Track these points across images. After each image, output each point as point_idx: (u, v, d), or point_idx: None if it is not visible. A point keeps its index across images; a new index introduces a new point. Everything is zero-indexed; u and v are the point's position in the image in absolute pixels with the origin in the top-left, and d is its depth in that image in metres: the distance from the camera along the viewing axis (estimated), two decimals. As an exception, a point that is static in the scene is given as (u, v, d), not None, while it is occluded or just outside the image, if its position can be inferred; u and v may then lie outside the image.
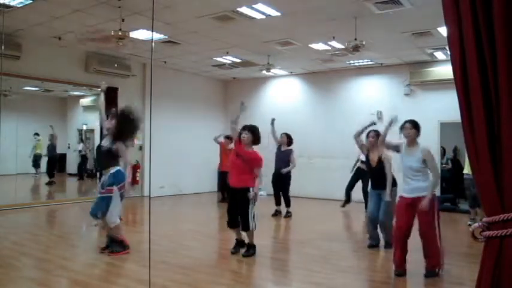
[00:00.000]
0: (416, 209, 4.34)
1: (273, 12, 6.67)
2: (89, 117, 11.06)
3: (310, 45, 8.62)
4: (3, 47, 7.05)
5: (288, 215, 8.22)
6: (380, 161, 5.51)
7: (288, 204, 8.28)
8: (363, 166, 7.58)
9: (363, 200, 8.28)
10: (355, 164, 8.68)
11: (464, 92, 1.65)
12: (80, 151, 11.40)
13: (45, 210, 8.60)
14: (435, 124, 9.60)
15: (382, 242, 5.67)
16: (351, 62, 10.16)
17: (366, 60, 10.01)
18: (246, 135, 5.08)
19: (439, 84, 9.46)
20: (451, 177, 9.77)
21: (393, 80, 10.41)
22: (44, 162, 10.67)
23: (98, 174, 8.92)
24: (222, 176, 9.21)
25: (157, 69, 10.79)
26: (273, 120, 8.38)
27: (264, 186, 8.98)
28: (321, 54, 9.33)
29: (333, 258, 5.56)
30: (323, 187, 10.75)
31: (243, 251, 5.23)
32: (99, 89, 5.81)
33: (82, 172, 11.52)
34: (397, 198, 4.88)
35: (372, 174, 5.78)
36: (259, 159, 5.07)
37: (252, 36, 8.03)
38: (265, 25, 7.30)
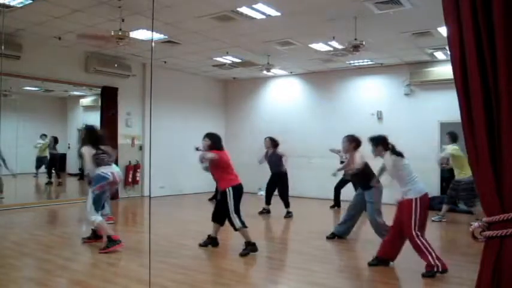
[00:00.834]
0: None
1: (273, 12, 6.67)
2: (89, 117, 11.06)
3: (310, 45, 8.62)
4: (3, 47, 7.05)
5: (289, 215, 8.22)
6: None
7: (287, 205, 8.28)
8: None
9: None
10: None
11: (464, 92, 1.65)
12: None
13: (45, 210, 8.60)
14: (435, 124, 9.61)
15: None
16: (351, 62, 10.16)
17: (366, 60, 10.01)
18: (204, 142, 5.55)
19: (439, 84, 9.46)
20: (450, 177, 9.76)
21: (393, 80, 10.41)
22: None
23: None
24: None
25: (157, 69, 10.79)
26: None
27: (263, 186, 8.99)
28: (321, 54, 9.33)
29: (332, 258, 5.57)
30: (323, 187, 10.75)
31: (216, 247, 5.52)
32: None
33: (82, 172, 11.52)
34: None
35: (352, 177, 6.29)
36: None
37: (252, 36, 8.03)
38: (265, 25, 7.30)
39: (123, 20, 6.58)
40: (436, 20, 6.41)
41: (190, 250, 5.48)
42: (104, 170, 5.44)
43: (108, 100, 10.09)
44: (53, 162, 10.82)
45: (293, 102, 12.02)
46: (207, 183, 12.41)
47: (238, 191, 5.28)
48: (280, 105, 12.23)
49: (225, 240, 5.76)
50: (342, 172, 8.82)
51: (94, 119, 9.88)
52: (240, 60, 10.21)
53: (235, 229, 5.25)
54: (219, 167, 5.33)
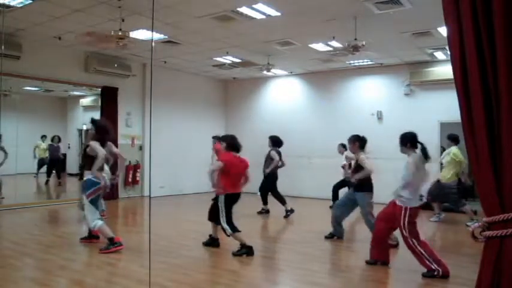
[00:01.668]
0: None
1: (273, 12, 6.67)
2: (89, 117, 11.05)
3: (310, 45, 8.62)
4: (3, 47, 7.05)
5: (287, 214, 8.19)
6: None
7: (281, 203, 8.31)
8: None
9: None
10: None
11: (464, 92, 1.65)
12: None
13: (45, 210, 8.60)
14: (435, 124, 9.60)
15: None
16: (351, 62, 10.16)
17: (366, 60, 10.01)
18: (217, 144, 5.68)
19: (439, 84, 9.46)
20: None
21: (393, 80, 10.41)
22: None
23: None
24: None
25: (157, 69, 10.79)
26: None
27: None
28: (321, 54, 9.33)
29: (332, 258, 5.57)
30: (323, 187, 10.74)
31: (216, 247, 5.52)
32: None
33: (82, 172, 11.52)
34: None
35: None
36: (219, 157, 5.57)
37: (252, 36, 8.03)
38: (265, 25, 7.30)
39: (123, 20, 6.57)
40: (436, 20, 6.42)
41: (190, 250, 5.48)
42: (91, 176, 5.27)
43: (108, 100, 10.09)
44: (54, 162, 10.82)
45: (293, 102, 12.02)
46: (207, 183, 12.41)
47: (229, 200, 5.28)
48: (280, 105, 12.23)
49: (225, 240, 5.75)
50: (343, 172, 8.84)
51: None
52: (240, 60, 10.21)
53: (227, 235, 5.26)
54: (220, 171, 5.34)
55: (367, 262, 4.85)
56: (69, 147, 11.29)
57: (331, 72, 11.19)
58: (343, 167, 8.73)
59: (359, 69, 10.81)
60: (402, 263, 4.86)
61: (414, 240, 4.45)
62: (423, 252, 4.41)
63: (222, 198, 5.24)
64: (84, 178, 5.35)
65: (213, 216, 5.52)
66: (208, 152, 11.19)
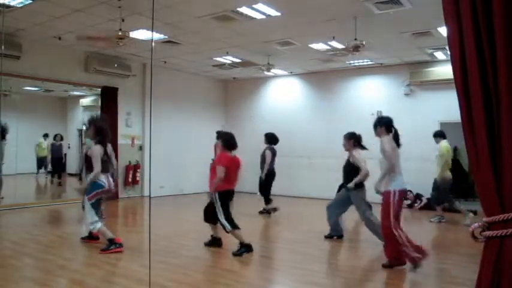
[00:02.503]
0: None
1: (273, 12, 6.67)
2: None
3: (310, 45, 8.62)
4: (3, 47, 7.04)
5: (263, 211, 8.31)
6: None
7: (265, 202, 8.40)
8: None
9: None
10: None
11: (464, 92, 1.65)
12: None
13: (45, 210, 8.60)
14: (435, 124, 9.60)
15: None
16: (351, 62, 10.16)
17: (366, 60, 10.01)
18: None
19: (439, 84, 9.46)
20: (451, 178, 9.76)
21: (393, 80, 10.42)
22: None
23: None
24: None
25: (157, 69, 10.80)
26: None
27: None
28: (321, 54, 9.33)
29: (332, 258, 5.57)
30: (323, 187, 10.75)
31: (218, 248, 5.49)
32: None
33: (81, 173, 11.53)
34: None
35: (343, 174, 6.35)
36: (217, 161, 5.43)
37: (252, 36, 8.03)
38: (265, 25, 7.30)
39: (123, 20, 6.58)
40: (436, 20, 6.42)
41: (190, 250, 5.48)
42: (101, 177, 5.28)
43: (108, 100, 10.09)
44: (57, 161, 10.82)
45: (293, 102, 12.02)
46: (207, 183, 12.42)
47: (225, 196, 5.28)
48: (280, 105, 12.23)
49: (224, 240, 5.75)
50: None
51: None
52: (240, 60, 10.21)
53: (226, 231, 5.27)
54: (214, 169, 5.38)
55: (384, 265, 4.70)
56: (69, 147, 11.29)
57: (331, 72, 11.19)
58: None
59: (359, 69, 10.81)
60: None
61: (399, 231, 4.42)
62: (396, 240, 4.38)
63: (217, 195, 5.24)
64: (88, 180, 5.30)
65: (209, 216, 5.52)
66: (208, 152, 11.22)
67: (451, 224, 7.67)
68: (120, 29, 6.53)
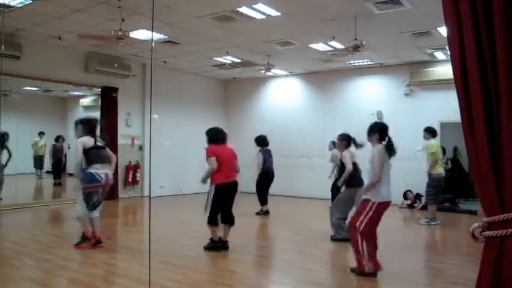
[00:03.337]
0: None
1: (273, 12, 6.67)
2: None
3: (310, 45, 8.62)
4: (3, 47, 7.04)
5: (260, 212, 8.38)
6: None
7: (260, 203, 8.45)
8: None
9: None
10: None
11: (464, 92, 1.65)
12: None
13: (45, 210, 8.60)
14: (435, 124, 9.58)
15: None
16: (351, 62, 10.16)
17: (366, 60, 10.01)
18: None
19: (439, 84, 9.46)
20: (450, 177, 9.76)
21: (393, 80, 10.41)
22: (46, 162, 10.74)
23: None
24: None
25: (157, 69, 10.79)
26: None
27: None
28: (321, 54, 9.33)
29: (332, 258, 5.57)
30: (323, 187, 10.74)
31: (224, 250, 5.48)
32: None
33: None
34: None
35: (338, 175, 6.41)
36: (206, 155, 5.36)
37: (252, 36, 8.03)
38: (265, 25, 7.30)
39: (123, 20, 6.58)
40: (436, 20, 6.42)
41: (190, 250, 5.48)
42: (98, 171, 5.23)
43: (108, 100, 10.10)
44: (58, 163, 10.82)
45: (293, 102, 12.02)
46: (207, 183, 12.42)
47: (221, 189, 5.24)
48: (280, 105, 12.23)
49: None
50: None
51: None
52: (240, 60, 10.21)
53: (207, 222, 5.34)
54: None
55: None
56: (69, 147, 11.27)
57: (331, 72, 11.19)
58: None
59: (359, 69, 10.80)
60: (403, 264, 4.86)
61: (364, 242, 4.26)
62: (360, 249, 4.32)
63: (212, 188, 5.25)
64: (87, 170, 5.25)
65: (225, 218, 5.46)
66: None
67: (451, 224, 7.67)
68: (120, 29, 6.52)
